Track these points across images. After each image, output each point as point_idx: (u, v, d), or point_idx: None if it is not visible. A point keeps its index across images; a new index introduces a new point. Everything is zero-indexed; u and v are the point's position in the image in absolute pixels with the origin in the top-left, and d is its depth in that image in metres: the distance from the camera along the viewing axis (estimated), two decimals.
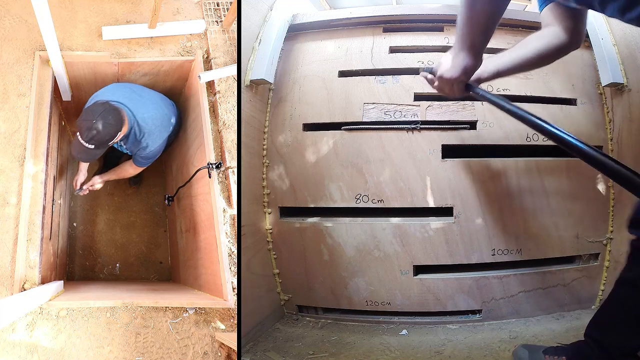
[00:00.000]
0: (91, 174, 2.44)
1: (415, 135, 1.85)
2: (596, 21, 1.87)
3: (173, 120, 2.28)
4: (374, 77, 1.93)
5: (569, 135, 1.04)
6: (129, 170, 2.32)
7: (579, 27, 1.40)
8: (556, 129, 1.07)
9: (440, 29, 1.97)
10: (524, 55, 1.45)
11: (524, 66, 1.47)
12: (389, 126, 1.87)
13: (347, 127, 1.90)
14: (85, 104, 2.05)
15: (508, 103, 1.24)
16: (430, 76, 1.49)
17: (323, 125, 1.94)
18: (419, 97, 1.88)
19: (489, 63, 1.43)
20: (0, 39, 2.12)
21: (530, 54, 1.44)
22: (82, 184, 2.34)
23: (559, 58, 1.48)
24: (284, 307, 2.00)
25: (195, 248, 2.25)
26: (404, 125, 1.85)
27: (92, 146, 1.87)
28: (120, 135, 1.94)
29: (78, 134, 1.88)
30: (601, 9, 1.17)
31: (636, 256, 1.24)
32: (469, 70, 1.31)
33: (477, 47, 1.28)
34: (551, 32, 1.43)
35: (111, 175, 2.39)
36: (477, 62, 1.31)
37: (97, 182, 2.38)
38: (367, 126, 1.89)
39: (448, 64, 1.34)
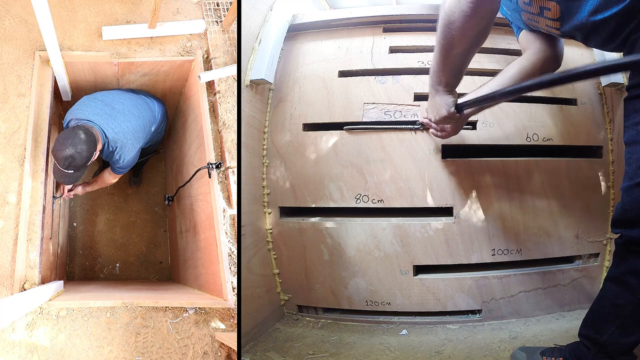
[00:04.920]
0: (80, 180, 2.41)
1: (415, 135, 1.85)
2: None
3: (152, 128, 2.29)
4: (374, 77, 1.93)
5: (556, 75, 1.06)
6: (109, 178, 2.34)
7: (555, 44, 1.55)
8: (540, 80, 1.11)
9: None
10: (502, 84, 1.58)
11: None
12: (394, 126, 1.87)
13: (349, 127, 1.89)
14: (63, 120, 2.08)
15: (495, 92, 1.33)
16: (426, 121, 1.71)
17: (323, 125, 1.94)
18: (419, 97, 1.88)
19: (469, 97, 1.56)
20: (0, 39, 2.12)
21: (507, 83, 1.57)
22: (64, 191, 2.32)
23: None
24: (284, 307, 2.00)
25: (195, 248, 2.25)
26: (409, 126, 1.85)
27: (71, 171, 1.91)
28: (96, 154, 1.98)
29: (55, 162, 1.90)
30: (584, 42, 1.33)
31: (621, 254, 1.25)
32: (452, 102, 1.49)
33: (451, 86, 1.48)
34: (526, 57, 1.59)
35: (93, 186, 2.42)
36: (454, 95, 1.50)
37: (79, 192, 2.41)
38: (372, 126, 1.89)
39: (435, 107, 1.53)
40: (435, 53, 1.41)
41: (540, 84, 1.11)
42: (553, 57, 1.56)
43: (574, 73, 0.95)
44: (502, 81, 1.58)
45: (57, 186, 2.29)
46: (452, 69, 1.42)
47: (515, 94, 1.24)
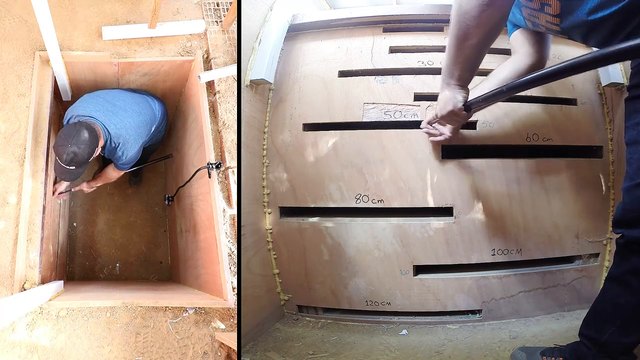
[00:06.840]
0: (81, 179, 2.40)
1: (415, 135, 1.85)
2: None
3: (153, 127, 2.29)
4: (374, 77, 1.93)
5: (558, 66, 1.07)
6: (113, 174, 2.35)
7: (542, 50, 1.62)
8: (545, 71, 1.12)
9: (440, 29, 1.97)
10: (492, 87, 1.58)
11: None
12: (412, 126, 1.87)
13: (356, 127, 1.89)
14: (64, 117, 2.08)
15: (503, 87, 1.34)
16: (430, 119, 1.74)
17: (323, 125, 1.94)
18: (419, 97, 1.88)
19: (475, 96, 1.55)
20: (0, 39, 2.12)
21: (499, 86, 1.58)
22: (61, 192, 2.31)
23: None
24: (284, 307, 2.00)
25: (195, 248, 2.25)
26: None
27: (73, 167, 1.91)
28: (98, 150, 1.99)
29: (57, 158, 1.90)
30: (583, 41, 1.36)
31: (622, 254, 1.26)
32: (463, 98, 1.47)
33: (463, 80, 1.46)
34: (515, 60, 1.64)
35: (97, 182, 2.43)
36: (466, 91, 1.48)
37: (85, 189, 2.42)
38: (382, 126, 1.89)
39: (443, 101, 1.50)
40: (449, 45, 1.37)
41: (549, 74, 1.11)
42: (539, 63, 1.62)
43: (585, 60, 0.96)
44: (494, 84, 1.59)
45: (53, 184, 2.28)
46: (465, 62, 1.39)
47: (524, 86, 1.24)
